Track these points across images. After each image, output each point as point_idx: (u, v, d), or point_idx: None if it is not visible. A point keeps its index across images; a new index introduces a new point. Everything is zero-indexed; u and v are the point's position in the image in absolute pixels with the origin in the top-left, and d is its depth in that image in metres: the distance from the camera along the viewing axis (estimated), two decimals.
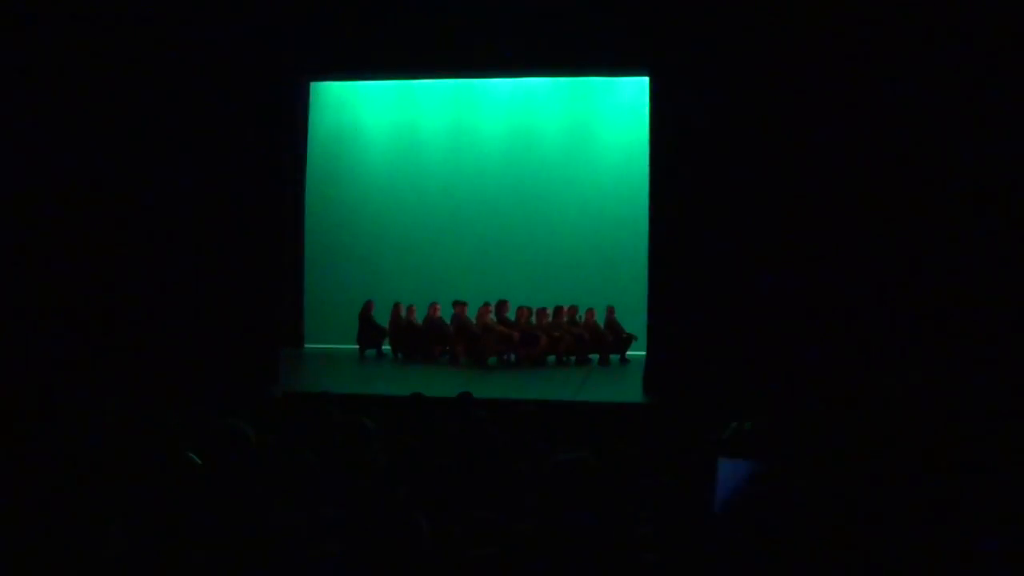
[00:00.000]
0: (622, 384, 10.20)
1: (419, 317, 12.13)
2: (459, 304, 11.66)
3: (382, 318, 12.34)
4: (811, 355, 8.20)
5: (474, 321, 11.49)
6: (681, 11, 9.38)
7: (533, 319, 11.68)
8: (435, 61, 11.14)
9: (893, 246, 8.71)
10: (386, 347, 12.40)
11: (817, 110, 8.94)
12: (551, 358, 11.60)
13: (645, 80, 13.57)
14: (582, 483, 2.65)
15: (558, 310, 11.85)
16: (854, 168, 8.88)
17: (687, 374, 8.57)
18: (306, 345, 13.08)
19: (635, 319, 12.24)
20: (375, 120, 14.14)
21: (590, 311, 12.06)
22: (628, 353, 11.95)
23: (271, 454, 3.00)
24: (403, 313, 12.16)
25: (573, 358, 11.74)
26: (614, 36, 10.40)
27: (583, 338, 11.80)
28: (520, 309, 11.64)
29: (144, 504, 2.34)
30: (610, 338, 11.92)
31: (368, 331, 12.41)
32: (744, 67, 9.09)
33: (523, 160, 13.76)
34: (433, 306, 12.02)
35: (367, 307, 12.46)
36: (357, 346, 12.41)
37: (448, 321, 11.84)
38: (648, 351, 9.45)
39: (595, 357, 11.86)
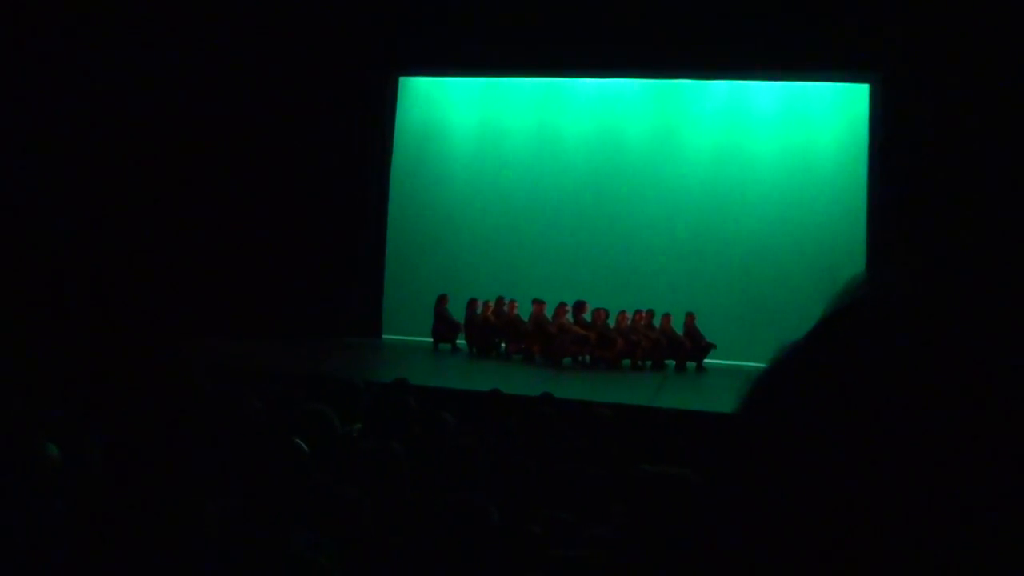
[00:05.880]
0: (699, 392, 10.04)
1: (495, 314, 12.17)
2: (537, 303, 11.66)
3: (458, 313, 12.42)
4: None
5: (551, 320, 11.47)
6: (910, 17, 8.88)
7: (611, 321, 11.59)
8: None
9: None
10: (461, 341, 12.47)
11: None
12: (626, 362, 11.50)
13: (734, 84, 13.45)
14: (674, 498, 2.58)
15: (636, 314, 11.74)
16: None
17: None
18: (384, 336, 13.27)
19: (714, 327, 12.04)
20: (461, 117, 14.23)
21: (667, 316, 11.89)
22: (705, 361, 11.76)
23: (358, 442, 3.04)
24: (479, 309, 12.21)
25: (649, 363, 11.61)
26: (836, 42, 9.97)
27: (660, 343, 11.66)
28: (597, 311, 11.56)
29: (243, 486, 2.39)
30: (688, 345, 11.75)
31: (443, 325, 12.50)
32: (980, 76, 8.50)
33: (607, 162, 13.67)
34: (511, 303, 12.04)
35: (440, 301, 12.55)
36: (432, 339, 12.53)
37: (525, 319, 11.85)
38: None
39: (671, 363, 11.70)
